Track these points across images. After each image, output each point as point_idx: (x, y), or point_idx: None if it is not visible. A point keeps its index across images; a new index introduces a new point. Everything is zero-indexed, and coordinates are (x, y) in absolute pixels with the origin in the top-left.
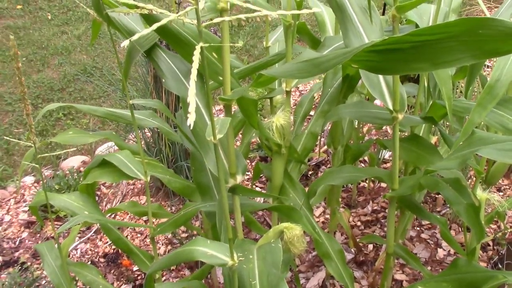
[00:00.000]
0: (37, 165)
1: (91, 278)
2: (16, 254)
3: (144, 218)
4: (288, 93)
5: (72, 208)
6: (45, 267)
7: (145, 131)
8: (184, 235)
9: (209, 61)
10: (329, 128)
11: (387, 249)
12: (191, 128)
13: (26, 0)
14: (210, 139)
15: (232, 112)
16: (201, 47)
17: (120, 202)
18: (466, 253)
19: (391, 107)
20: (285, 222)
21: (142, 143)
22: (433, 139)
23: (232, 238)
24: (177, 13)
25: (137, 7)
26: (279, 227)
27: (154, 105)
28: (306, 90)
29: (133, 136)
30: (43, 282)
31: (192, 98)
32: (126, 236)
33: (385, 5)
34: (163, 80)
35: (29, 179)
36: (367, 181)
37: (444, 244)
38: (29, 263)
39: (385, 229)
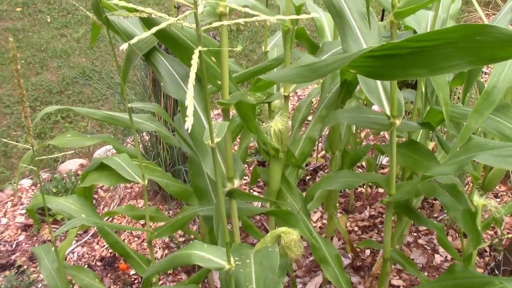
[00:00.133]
0: (35, 168)
1: (87, 281)
2: (13, 257)
3: (142, 221)
4: (286, 97)
5: (70, 211)
6: (42, 270)
7: (143, 134)
8: (181, 239)
9: (207, 65)
10: (327, 133)
11: (384, 254)
12: (189, 131)
13: (25, 3)
14: (208, 143)
15: (230, 116)
16: (200, 51)
17: (117, 206)
18: (463, 259)
19: (388, 113)
20: (283, 227)
21: (140, 146)
22: (431, 145)
23: (229, 242)
24: (176, 17)
25: (136, 10)
26: (276, 232)
27: (152, 109)
28: (305, 95)
29: (131, 139)
30: (40, 285)
31: (190, 101)
32: (123, 240)
33: (383, 11)
34: (162, 84)
35: (26, 182)
36: (364, 186)
37: (441, 249)
38: (25, 266)
39: (382, 234)
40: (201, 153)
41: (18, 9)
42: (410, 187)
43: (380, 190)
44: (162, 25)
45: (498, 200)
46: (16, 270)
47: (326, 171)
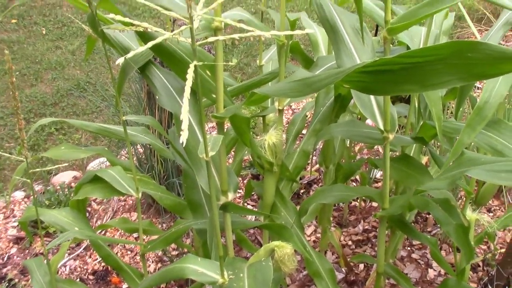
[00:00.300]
0: (28, 180)
1: None
2: (4, 270)
3: (135, 235)
4: (280, 111)
5: (62, 224)
6: (34, 283)
7: (138, 147)
8: (174, 252)
9: (202, 79)
10: (321, 146)
11: (378, 268)
12: (184, 145)
13: (21, 15)
14: (203, 157)
15: (225, 130)
16: (195, 65)
17: (110, 219)
18: (456, 274)
19: (382, 127)
20: (276, 241)
21: (134, 159)
22: (424, 159)
23: (223, 256)
24: (171, 30)
25: (132, 24)
26: (270, 246)
27: (147, 122)
28: (299, 108)
29: (125, 152)
30: None
31: (185, 115)
32: (116, 253)
33: (377, 26)
34: (157, 97)
35: (19, 194)
36: (358, 200)
37: (434, 264)
38: (17, 280)
39: (376, 248)
40: (196, 166)
41: (14, 21)
42: (404, 201)
43: (374, 204)
44: (158, 40)
45: (491, 214)
46: (7, 284)
47: (320, 184)
